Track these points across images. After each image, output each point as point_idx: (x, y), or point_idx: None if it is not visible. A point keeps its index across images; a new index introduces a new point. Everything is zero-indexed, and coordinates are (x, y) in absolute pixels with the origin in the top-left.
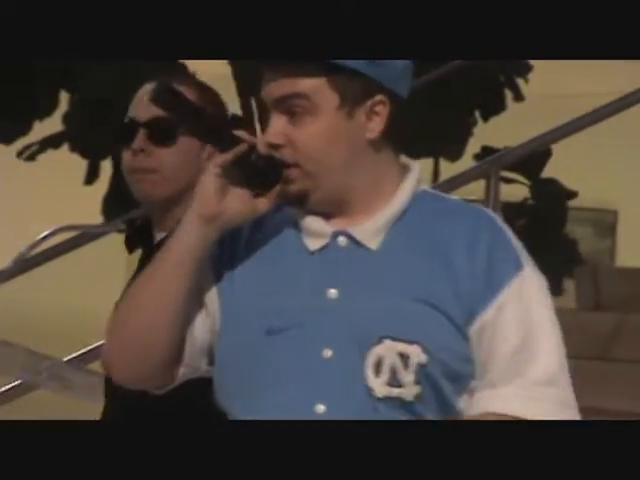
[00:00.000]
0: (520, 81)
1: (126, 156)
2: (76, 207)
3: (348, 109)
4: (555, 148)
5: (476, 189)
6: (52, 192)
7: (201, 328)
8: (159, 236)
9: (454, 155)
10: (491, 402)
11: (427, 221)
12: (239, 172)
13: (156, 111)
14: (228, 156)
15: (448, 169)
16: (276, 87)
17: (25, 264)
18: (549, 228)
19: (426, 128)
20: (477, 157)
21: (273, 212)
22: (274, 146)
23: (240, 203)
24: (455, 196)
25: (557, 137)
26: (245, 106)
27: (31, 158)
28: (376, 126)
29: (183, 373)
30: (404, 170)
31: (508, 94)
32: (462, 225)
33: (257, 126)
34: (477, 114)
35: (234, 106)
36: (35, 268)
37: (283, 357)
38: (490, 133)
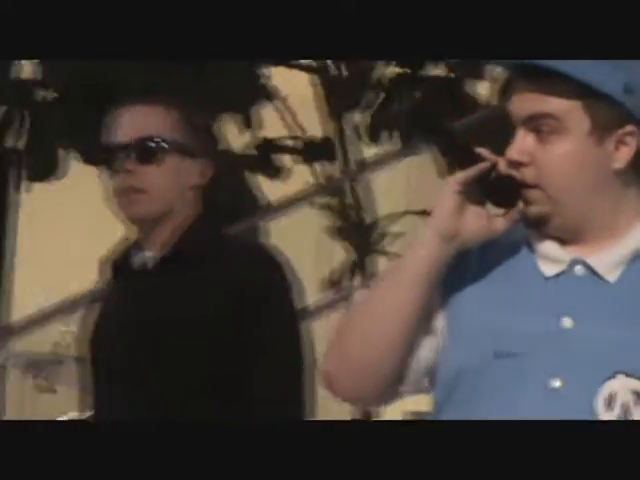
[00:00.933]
0: None
1: (113, 178)
2: None
3: (598, 135)
4: None
5: None
6: None
7: (427, 347)
8: (148, 255)
9: None
10: None
11: None
12: (478, 190)
13: (143, 131)
14: (469, 173)
15: None
16: (527, 103)
17: None
18: None
19: None
20: None
21: (507, 232)
22: (517, 164)
23: (478, 222)
24: None
25: None
26: (333, 127)
27: None
28: (623, 156)
29: (404, 392)
30: None
31: None
32: None
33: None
34: None
35: (318, 128)
36: None
37: (509, 381)
38: None
